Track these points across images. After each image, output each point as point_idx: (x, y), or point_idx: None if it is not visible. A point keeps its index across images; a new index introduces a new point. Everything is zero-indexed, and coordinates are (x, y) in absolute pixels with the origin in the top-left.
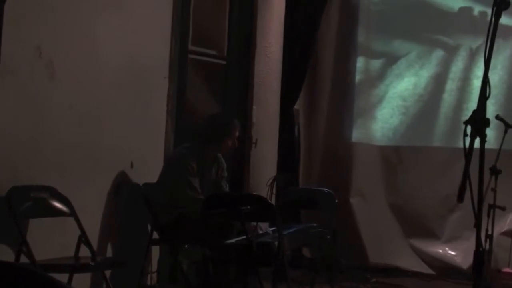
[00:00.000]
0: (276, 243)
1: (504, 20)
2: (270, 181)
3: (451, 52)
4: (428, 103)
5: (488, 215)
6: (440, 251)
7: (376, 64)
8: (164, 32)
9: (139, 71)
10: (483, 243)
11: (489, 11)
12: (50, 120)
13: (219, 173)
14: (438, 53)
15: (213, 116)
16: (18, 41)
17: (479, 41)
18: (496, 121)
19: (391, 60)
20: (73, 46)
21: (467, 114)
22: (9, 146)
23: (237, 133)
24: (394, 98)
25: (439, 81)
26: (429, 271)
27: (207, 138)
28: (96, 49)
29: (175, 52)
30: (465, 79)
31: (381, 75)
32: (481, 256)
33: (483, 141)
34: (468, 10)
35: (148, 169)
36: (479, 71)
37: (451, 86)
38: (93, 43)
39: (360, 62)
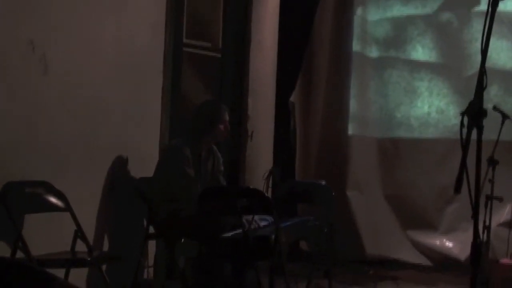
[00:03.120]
0: (273, 236)
1: None
2: (266, 174)
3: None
4: (426, 94)
5: (486, 206)
6: (438, 242)
7: (373, 55)
8: (158, 25)
9: (134, 65)
10: (481, 234)
11: None
12: (44, 115)
13: (215, 167)
14: (437, 39)
15: (199, 107)
16: (10, 36)
17: None
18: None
19: (389, 48)
20: (66, 41)
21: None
22: (3, 141)
23: (227, 117)
24: (391, 89)
25: (437, 69)
26: (427, 262)
27: (199, 129)
28: (89, 43)
29: (170, 46)
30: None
31: (378, 66)
32: (478, 247)
33: (480, 132)
34: None
35: (144, 164)
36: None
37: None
38: (87, 37)
39: (356, 54)
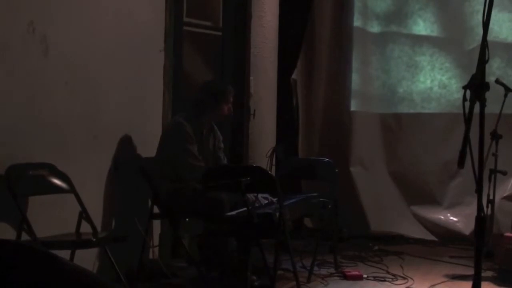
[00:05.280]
0: (277, 214)
1: None
2: (270, 152)
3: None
4: (428, 68)
5: (490, 180)
6: (442, 217)
7: (374, 30)
8: (158, 4)
9: (134, 44)
10: (485, 208)
11: None
12: (46, 96)
13: (216, 144)
14: (439, 13)
15: (206, 83)
16: (10, 17)
17: None
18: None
19: (390, 23)
20: (67, 21)
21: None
22: (5, 124)
23: (231, 99)
24: (393, 64)
25: (439, 43)
26: (431, 237)
27: (202, 105)
28: (90, 23)
29: (170, 25)
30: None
31: (379, 41)
32: (482, 221)
33: (483, 106)
34: None
35: (147, 143)
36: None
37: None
38: (87, 17)
39: (357, 29)
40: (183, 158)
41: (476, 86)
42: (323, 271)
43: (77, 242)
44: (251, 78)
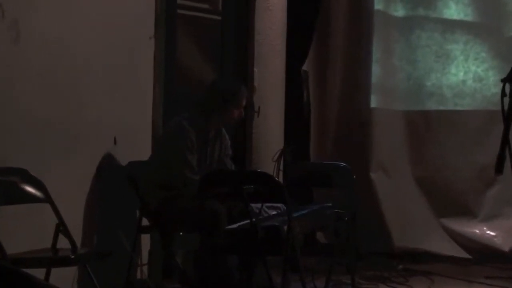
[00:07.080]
0: (286, 227)
1: None
2: (277, 155)
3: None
4: (460, 58)
5: None
6: (477, 231)
7: (398, 14)
8: None
9: (120, 31)
10: None
11: None
12: (17, 91)
13: (222, 150)
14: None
15: (217, 82)
16: None
17: None
18: None
19: (417, 6)
20: (41, 3)
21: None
22: None
23: (244, 102)
24: (420, 53)
25: (474, 30)
26: (465, 255)
27: (210, 106)
28: (68, 7)
29: (162, 8)
30: None
31: (404, 27)
32: None
33: None
34: None
35: (134, 145)
36: None
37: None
38: None
39: (379, 12)
40: (179, 169)
41: None
42: None
43: (54, 259)
44: (255, 69)
